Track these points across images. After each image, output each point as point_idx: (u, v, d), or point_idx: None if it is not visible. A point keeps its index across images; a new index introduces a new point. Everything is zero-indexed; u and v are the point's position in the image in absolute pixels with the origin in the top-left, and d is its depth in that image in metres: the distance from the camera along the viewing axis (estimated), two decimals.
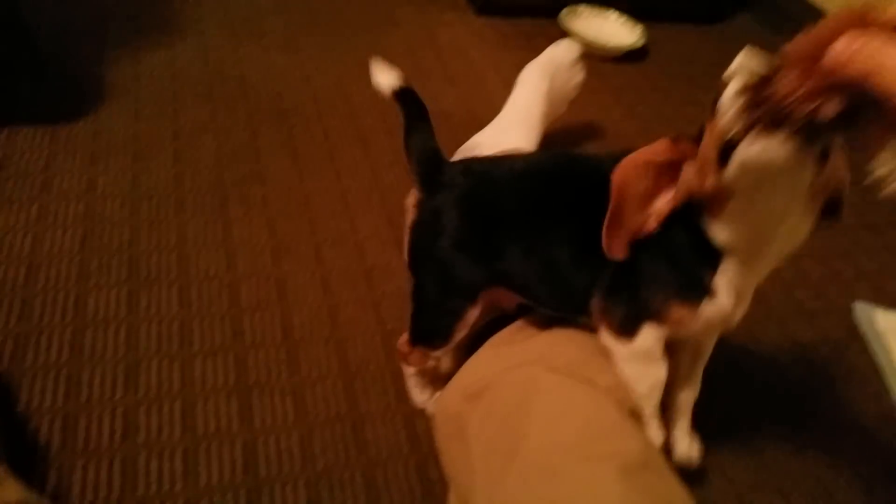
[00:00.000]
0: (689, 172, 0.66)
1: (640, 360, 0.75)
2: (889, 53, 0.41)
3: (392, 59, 1.77)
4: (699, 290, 0.70)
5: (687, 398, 0.88)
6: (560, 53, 1.37)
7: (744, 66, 0.54)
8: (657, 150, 0.68)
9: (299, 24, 1.77)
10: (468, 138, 1.30)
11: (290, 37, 1.70)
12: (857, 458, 1.02)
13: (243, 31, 1.69)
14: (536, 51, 1.39)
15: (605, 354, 0.78)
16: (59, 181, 1.20)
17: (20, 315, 0.99)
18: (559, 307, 0.82)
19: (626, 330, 0.74)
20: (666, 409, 0.86)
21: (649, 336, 0.74)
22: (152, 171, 1.24)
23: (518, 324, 0.88)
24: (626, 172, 0.68)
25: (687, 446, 0.89)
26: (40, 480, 0.82)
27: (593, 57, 1.86)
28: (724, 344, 1.10)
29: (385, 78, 0.83)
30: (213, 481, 0.85)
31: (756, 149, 0.55)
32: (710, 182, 0.64)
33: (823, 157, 0.56)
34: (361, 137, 1.43)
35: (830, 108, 0.48)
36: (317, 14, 1.82)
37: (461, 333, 0.85)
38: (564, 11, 1.92)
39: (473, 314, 0.83)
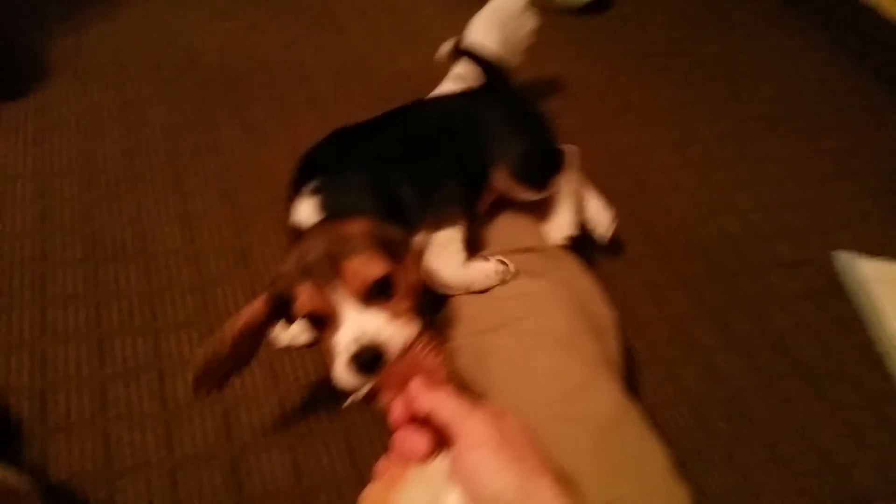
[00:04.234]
0: None
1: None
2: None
3: (344, 21, 1.80)
4: None
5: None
6: (505, 1, 1.44)
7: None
8: None
9: None
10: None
11: (235, 3, 1.74)
12: (844, 407, 1.08)
13: None
14: None
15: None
16: (8, 162, 1.24)
17: None
18: None
19: None
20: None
21: None
22: (103, 147, 1.30)
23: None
24: None
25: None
26: (18, 457, 0.88)
27: (554, 10, 1.92)
28: (704, 298, 1.17)
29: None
30: (191, 450, 0.92)
31: None
32: None
33: None
34: (317, 102, 1.48)
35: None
36: None
37: None
38: None
39: None
